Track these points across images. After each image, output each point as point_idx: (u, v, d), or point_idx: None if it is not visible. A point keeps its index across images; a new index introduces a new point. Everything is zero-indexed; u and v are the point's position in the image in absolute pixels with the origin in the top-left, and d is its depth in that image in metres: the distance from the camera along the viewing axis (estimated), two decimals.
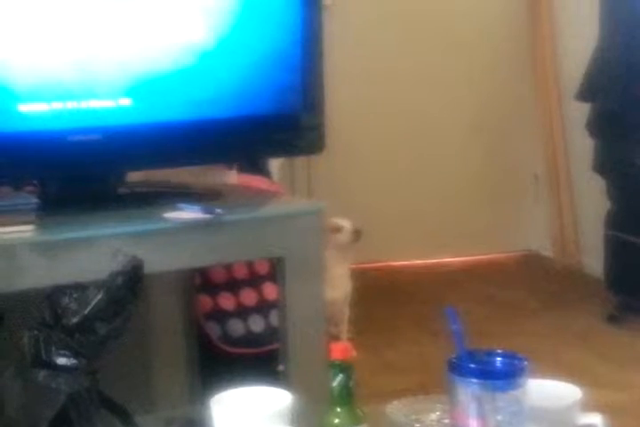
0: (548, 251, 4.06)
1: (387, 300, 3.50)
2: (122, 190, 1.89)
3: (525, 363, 1.03)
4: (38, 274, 1.59)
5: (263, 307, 2.16)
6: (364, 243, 2.94)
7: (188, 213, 1.77)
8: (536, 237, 4.11)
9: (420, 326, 3.09)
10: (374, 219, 3.69)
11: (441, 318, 1.06)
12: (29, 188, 1.87)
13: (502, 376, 1.01)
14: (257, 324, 2.16)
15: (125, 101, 1.81)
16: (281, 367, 1.88)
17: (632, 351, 2.96)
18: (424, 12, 3.87)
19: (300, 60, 1.94)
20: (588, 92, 3.37)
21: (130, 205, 1.83)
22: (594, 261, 3.68)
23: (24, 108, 1.74)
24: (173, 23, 1.83)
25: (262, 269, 2.17)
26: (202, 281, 2.16)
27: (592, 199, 3.65)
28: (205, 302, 2.15)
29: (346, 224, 2.90)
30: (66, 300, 1.11)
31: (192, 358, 2.15)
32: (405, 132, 3.94)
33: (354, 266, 2.98)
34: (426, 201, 3.97)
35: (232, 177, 2.18)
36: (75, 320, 1.09)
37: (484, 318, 3.13)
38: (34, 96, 1.75)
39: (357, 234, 2.90)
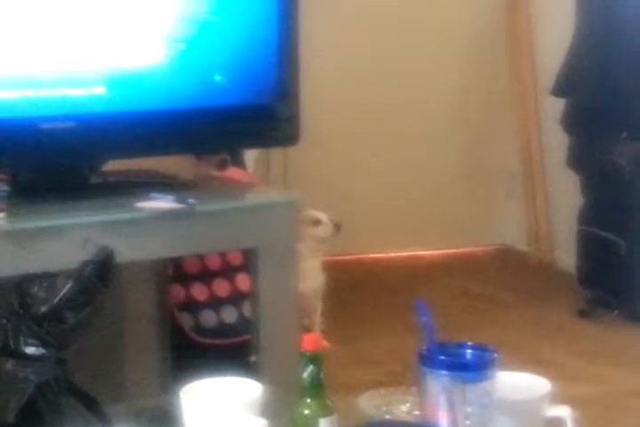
0: (522, 245, 4.08)
1: (360, 292, 3.50)
2: (95, 179, 1.88)
3: (495, 355, 1.03)
4: (8, 262, 1.58)
5: (236, 298, 2.15)
6: (339, 235, 2.94)
7: (160, 203, 1.76)
8: (510, 232, 4.13)
9: (393, 318, 3.09)
10: (349, 211, 3.68)
11: (413, 311, 1.06)
12: (0, 175, 1.85)
13: (472, 368, 1.02)
14: (229, 315, 2.15)
15: (99, 90, 1.80)
16: (252, 358, 1.88)
17: (601, 345, 2.99)
18: (402, 6, 3.87)
19: (275, 51, 1.93)
20: (564, 87, 3.39)
21: (102, 194, 1.82)
22: (566, 255, 3.71)
23: None
24: (148, 13, 1.82)
25: (235, 259, 2.16)
26: (175, 271, 2.15)
27: (566, 195, 3.67)
28: (178, 292, 2.14)
29: (324, 217, 2.88)
30: (35, 289, 1.10)
31: (164, 349, 2.14)
32: (381, 125, 3.94)
33: (328, 258, 2.98)
34: (401, 194, 3.98)
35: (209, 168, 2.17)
36: (44, 309, 1.08)
37: (458, 311, 3.14)
38: (4, 83, 1.73)
39: (338, 227, 2.89)
